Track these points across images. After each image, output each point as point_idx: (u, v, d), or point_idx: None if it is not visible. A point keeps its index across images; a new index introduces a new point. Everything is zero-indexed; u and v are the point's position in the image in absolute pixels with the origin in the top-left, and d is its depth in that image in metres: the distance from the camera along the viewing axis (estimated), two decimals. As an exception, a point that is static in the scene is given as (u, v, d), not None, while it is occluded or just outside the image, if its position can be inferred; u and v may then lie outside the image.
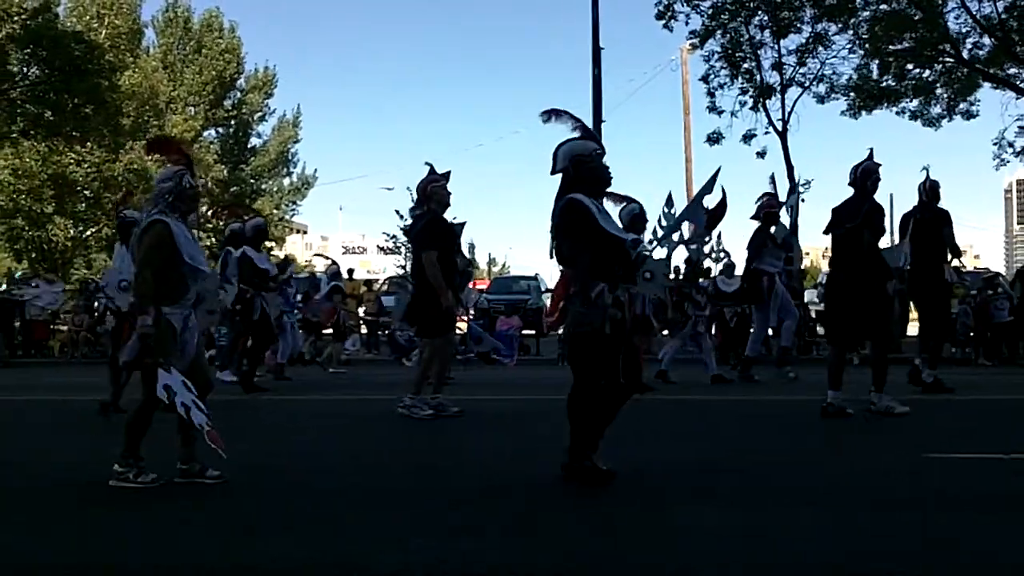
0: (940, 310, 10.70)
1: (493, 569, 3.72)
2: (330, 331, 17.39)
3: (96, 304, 16.78)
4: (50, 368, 19.08)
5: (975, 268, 24.19)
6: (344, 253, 60.25)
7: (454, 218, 9.00)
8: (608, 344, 5.16)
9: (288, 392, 11.65)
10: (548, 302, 28.98)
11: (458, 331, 10.46)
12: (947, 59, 24.09)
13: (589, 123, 5.95)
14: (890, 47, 23.92)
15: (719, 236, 12.80)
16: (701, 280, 13.06)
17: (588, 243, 5.18)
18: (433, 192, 8.65)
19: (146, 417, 5.33)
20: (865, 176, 8.35)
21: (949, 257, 10.31)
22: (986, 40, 23.24)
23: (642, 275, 5.28)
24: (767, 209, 12.00)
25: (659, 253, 5.58)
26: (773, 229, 11.96)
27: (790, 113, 25.17)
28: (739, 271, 13.27)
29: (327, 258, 21.19)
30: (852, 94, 25.35)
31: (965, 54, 23.55)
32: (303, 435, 8.05)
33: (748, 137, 25.53)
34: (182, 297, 5.34)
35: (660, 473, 5.20)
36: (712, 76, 25.67)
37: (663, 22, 24.94)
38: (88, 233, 35.23)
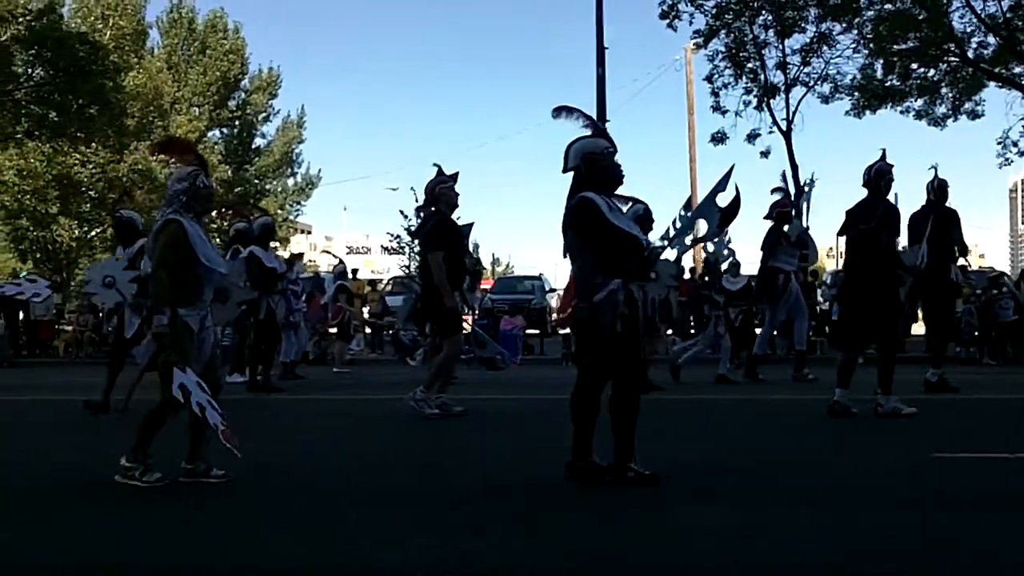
0: (946, 310, 10.69)
1: (493, 569, 3.73)
2: (334, 331, 17.45)
3: (100, 304, 16.76)
4: (55, 368, 19.11)
5: (980, 267, 24.18)
6: (348, 253, 60.25)
7: (458, 218, 9.00)
8: (616, 342, 5.13)
9: (293, 392, 11.66)
10: (553, 301, 29.12)
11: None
12: (952, 58, 24.05)
13: (593, 123, 5.91)
14: (894, 46, 23.90)
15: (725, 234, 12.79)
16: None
17: (594, 241, 5.15)
18: (441, 193, 8.66)
19: (162, 418, 5.33)
20: (879, 176, 8.33)
21: (956, 257, 10.32)
22: (991, 39, 23.23)
23: (648, 274, 5.28)
24: (779, 208, 12.01)
25: (668, 254, 5.57)
26: (786, 228, 11.96)
27: (794, 113, 25.19)
28: (744, 269, 13.23)
29: (334, 255, 21.23)
30: (856, 94, 25.33)
31: (970, 53, 23.52)
32: (309, 435, 8.07)
33: (752, 137, 25.55)
34: (198, 299, 5.34)
35: (663, 473, 5.18)
36: (716, 76, 25.69)
37: (667, 22, 24.97)
38: (93, 233, 35.24)
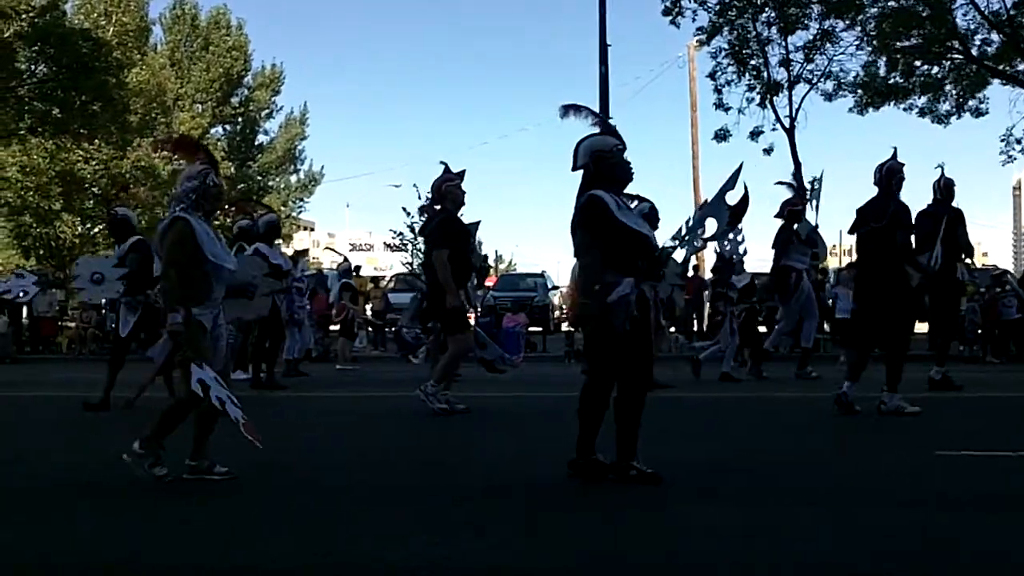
0: (951, 308, 10.68)
1: (494, 568, 3.73)
2: (337, 327, 17.48)
3: (88, 300, 16.76)
4: (58, 364, 19.14)
5: (983, 265, 24.14)
6: (351, 250, 60.16)
7: (461, 215, 9.01)
8: (626, 342, 5.09)
9: (297, 389, 11.67)
10: (555, 298, 29.13)
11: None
12: (955, 55, 23.98)
13: (597, 120, 5.89)
14: (898, 44, 23.82)
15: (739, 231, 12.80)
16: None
17: (602, 239, 5.13)
18: (448, 191, 8.67)
19: (183, 415, 5.35)
20: (890, 175, 8.34)
21: (962, 256, 10.33)
22: (995, 36, 23.17)
23: (659, 274, 5.28)
24: (791, 207, 12.03)
25: (678, 254, 5.56)
26: (796, 226, 11.97)
27: (797, 110, 25.09)
28: (747, 267, 13.23)
29: (338, 252, 21.22)
30: (859, 91, 25.26)
31: (973, 50, 23.45)
32: (311, 432, 8.08)
33: (755, 134, 25.47)
34: (208, 297, 5.34)
35: (669, 473, 5.18)
36: (719, 73, 25.59)
37: (670, 18, 24.88)
38: (96, 230, 35.22)
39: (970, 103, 24.81)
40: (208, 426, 5.38)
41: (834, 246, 45.62)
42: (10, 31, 25.11)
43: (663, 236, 5.67)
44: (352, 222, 75.99)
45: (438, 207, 8.87)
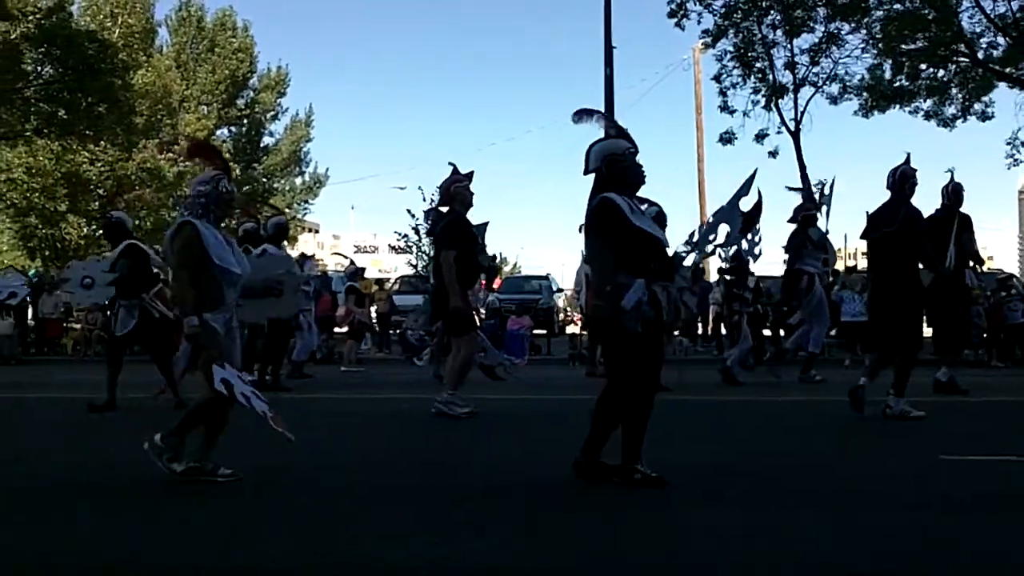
0: (960, 314, 10.64)
1: (494, 568, 3.72)
2: (344, 330, 17.48)
3: (77, 304, 16.78)
4: (63, 366, 19.14)
5: (988, 269, 24.05)
6: (356, 252, 60.19)
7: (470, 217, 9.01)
8: (639, 344, 5.06)
9: (301, 391, 11.66)
10: (560, 301, 29.12)
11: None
12: (961, 59, 23.95)
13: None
14: (903, 47, 23.78)
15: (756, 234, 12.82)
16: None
17: (615, 241, 5.11)
18: (456, 192, 8.67)
19: (207, 412, 5.37)
20: (903, 180, 8.34)
21: (970, 262, 10.32)
22: (1000, 40, 23.10)
23: (672, 276, 5.27)
24: (804, 212, 12.06)
25: (690, 259, 5.56)
26: (809, 230, 11.98)
27: (803, 113, 25.10)
28: (753, 269, 13.23)
29: (345, 257, 21.21)
30: (865, 94, 25.22)
31: (979, 54, 23.40)
32: (315, 433, 8.03)
33: (761, 137, 25.46)
34: (219, 302, 5.34)
35: (674, 476, 5.16)
36: (724, 75, 25.60)
37: (675, 21, 24.89)
38: (101, 232, 35.31)
39: (976, 106, 24.79)
40: (219, 428, 5.40)
41: (839, 249, 45.58)
42: (16, 33, 25.19)
43: (669, 239, 5.68)
44: (357, 224, 75.87)
45: (445, 208, 8.87)
